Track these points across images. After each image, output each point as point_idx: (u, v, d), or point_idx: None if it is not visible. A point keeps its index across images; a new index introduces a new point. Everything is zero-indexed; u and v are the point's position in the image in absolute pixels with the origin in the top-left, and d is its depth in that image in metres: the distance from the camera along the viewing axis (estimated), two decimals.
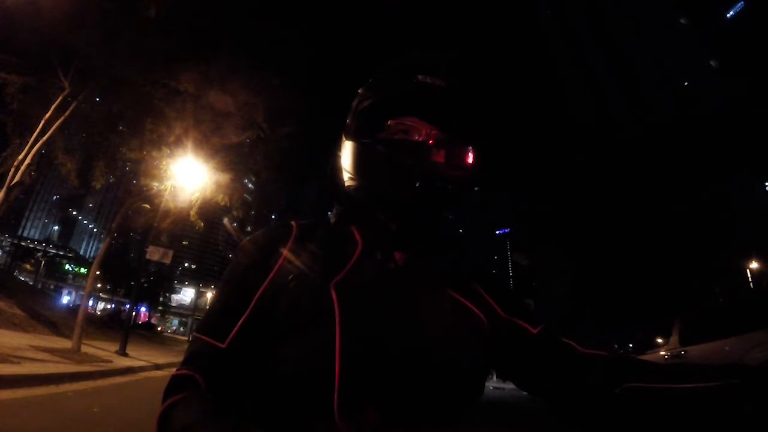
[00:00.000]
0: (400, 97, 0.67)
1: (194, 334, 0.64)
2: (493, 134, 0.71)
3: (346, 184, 0.72)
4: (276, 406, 0.55)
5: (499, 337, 0.66)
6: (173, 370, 0.62)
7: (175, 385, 0.57)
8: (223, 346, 0.59)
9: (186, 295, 76.77)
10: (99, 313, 35.16)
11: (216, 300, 0.66)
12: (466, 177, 0.68)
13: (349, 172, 0.70)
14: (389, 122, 0.69)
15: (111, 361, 8.91)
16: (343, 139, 0.72)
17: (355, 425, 0.51)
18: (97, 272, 12.29)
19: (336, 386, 0.52)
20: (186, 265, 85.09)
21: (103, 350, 10.54)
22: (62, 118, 9.80)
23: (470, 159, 0.69)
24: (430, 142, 0.66)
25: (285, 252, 0.64)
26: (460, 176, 0.67)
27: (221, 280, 0.68)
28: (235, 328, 0.59)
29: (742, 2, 50.68)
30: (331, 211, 0.75)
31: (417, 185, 0.62)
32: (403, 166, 0.63)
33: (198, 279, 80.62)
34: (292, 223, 0.71)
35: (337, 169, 0.75)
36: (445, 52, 0.71)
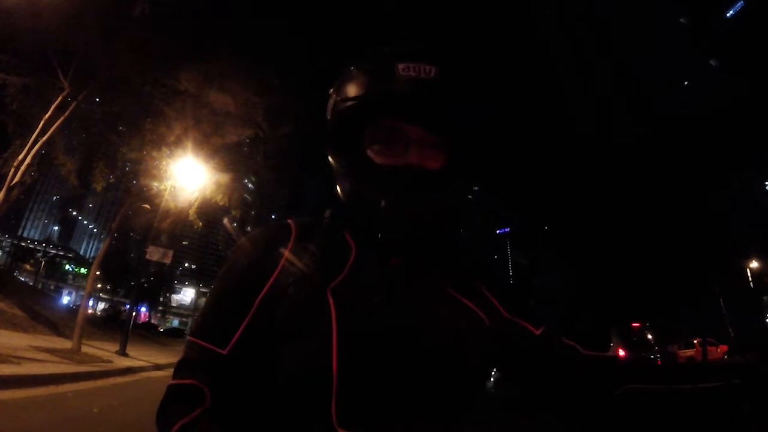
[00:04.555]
0: (378, 96, 0.59)
1: (190, 338, 0.61)
2: (487, 127, 0.64)
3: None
4: (274, 413, 0.54)
5: (501, 337, 0.65)
6: (173, 370, 0.60)
7: (180, 396, 0.55)
8: (224, 353, 0.57)
9: (186, 295, 76.67)
10: (99, 313, 35.17)
11: (213, 301, 0.63)
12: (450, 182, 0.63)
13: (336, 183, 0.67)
14: (367, 131, 0.63)
15: (111, 362, 8.91)
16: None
17: (354, 431, 0.51)
18: (97, 272, 12.29)
19: (334, 392, 0.51)
20: (186, 265, 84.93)
21: (103, 350, 10.53)
22: (62, 118, 9.80)
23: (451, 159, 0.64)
24: (411, 149, 0.60)
25: (285, 254, 0.61)
26: (441, 183, 0.61)
27: (217, 279, 0.64)
28: (237, 334, 0.57)
29: (742, 2, 50.65)
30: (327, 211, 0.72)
31: (385, 218, 0.58)
32: (372, 206, 0.58)
33: (198, 279, 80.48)
34: (290, 222, 0.67)
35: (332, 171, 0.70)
36: (427, 39, 0.62)
